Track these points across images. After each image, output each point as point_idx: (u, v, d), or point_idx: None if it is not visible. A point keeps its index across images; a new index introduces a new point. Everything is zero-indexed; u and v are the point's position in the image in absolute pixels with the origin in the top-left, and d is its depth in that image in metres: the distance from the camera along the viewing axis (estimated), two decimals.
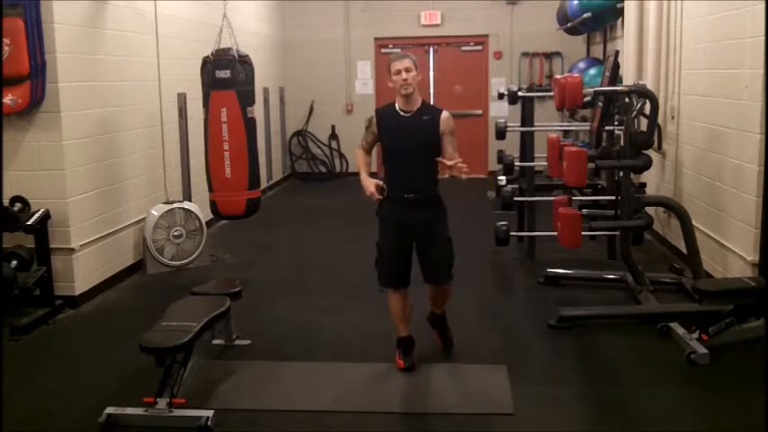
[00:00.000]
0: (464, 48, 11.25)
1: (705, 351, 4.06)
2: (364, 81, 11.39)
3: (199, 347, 3.81)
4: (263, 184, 8.44)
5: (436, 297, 4.26)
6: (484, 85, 11.16)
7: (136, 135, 6.10)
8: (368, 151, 4.17)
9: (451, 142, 3.96)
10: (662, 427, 3.46)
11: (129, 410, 3.48)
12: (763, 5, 4.35)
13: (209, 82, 5.59)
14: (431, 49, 11.28)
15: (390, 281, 4.10)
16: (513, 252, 6.53)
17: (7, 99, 4.72)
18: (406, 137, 3.94)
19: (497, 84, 10.67)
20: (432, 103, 10.90)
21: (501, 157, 7.14)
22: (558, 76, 5.27)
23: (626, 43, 7.38)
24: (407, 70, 3.88)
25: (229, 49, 5.60)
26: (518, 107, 6.87)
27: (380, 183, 3.98)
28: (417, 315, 4.55)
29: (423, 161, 3.93)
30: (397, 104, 4.01)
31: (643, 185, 6.25)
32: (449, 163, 3.79)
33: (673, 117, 6.38)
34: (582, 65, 9.40)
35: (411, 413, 3.63)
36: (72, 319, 5.03)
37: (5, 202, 4.86)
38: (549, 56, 10.94)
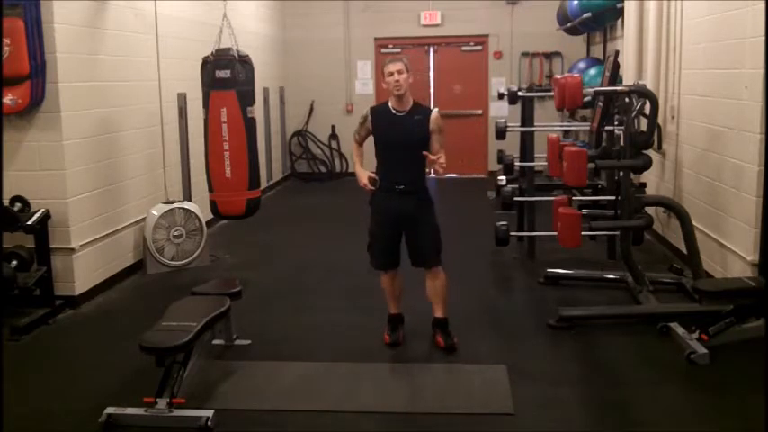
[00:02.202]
0: (464, 48, 11.25)
1: (705, 351, 4.06)
2: (364, 81, 11.39)
3: (199, 347, 3.81)
4: (263, 184, 8.44)
5: (433, 289, 4.39)
6: (484, 85, 11.16)
7: (136, 135, 6.10)
8: (360, 144, 4.50)
9: (439, 140, 4.27)
10: (662, 427, 3.46)
11: (129, 410, 3.48)
12: (763, 5, 4.35)
13: (209, 82, 5.59)
14: (431, 49, 11.28)
15: (381, 264, 4.44)
16: (513, 252, 6.53)
17: (7, 99, 4.72)
18: (397, 134, 4.25)
19: (497, 84, 10.67)
20: (432, 102, 10.98)
21: (501, 157, 7.15)
22: (558, 76, 5.27)
23: (626, 43, 7.38)
24: (399, 72, 4.18)
25: (229, 49, 5.60)
26: (518, 107, 6.87)
27: (373, 175, 4.28)
28: (421, 319, 4.55)
29: (412, 156, 4.22)
30: (390, 103, 4.31)
31: (643, 185, 6.24)
32: (432, 157, 4.12)
33: (673, 117, 6.38)
34: (582, 65, 9.40)
35: (411, 413, 3.62)
36: (72, 319, 5.03)
37: (5, 202, 4.86)
38: (549, 56, 10.94)
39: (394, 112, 4.26)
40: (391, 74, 4.18)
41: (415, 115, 4.25)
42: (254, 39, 9.37)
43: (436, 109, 4.31)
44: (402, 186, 4.22)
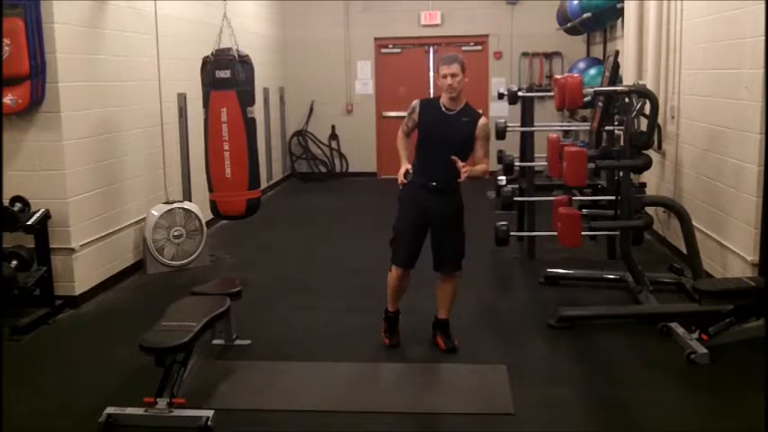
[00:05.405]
0: (464, 48, 11.24)
1: (705, 351, 4.06)
2: (364, 81, 11.39)
3: (199, 347, 3.81)
4: (263, 184, 8.43)
5: (444, 292, 4.38)
6: (484, 85, 11.15)
7: (136, 135, 6.10)
8: (407, 135, 4.40)
9: (483, 146, 4.23)
10: (662, 427, 3.46)
11: (129, 410, 3.48)
12: (763, 5, 4.35)
13: (209, 82, 5.59)
14: (431, 49, 11.27)
15: (402, 260, 4.31)
16: (513, 252, 6.53)
17: (7, 99, 4.72)
18: (442, 132, 4.18)
19: (497, 84, 10.66)
20: None
21: (501, 157, 7.14)
22: (558, 76, 5.27)
23: (626, 43, 7.38)
24: (453, 75, 4.12)
25: (229, 49, 5.61)
26: (518, 107, 6.87)
27: (409, 167, 4.20)
28: (421, 319, 4.54)
29: (452, 156, 4.10)
30: (441, 100, 4.25)
31: (643, 185, 6.24)
32: (460, 164, 4.01)
33: (673, 117, 6.38)
34: (582, 65, 9.40)
35: (411, 413, 3.62)
36: (72, 319, 5.03)
37: (5, 202, 4.86)
38: (549, 56, 10.94)
39: (443, 109, 4.20)
40: (445, 76, 4.11)
41: (463, 117, 4.18)
42: (254, 39, 9.36)
43: (484, 117, 4.26)
44: (435, 184, 4.16)
